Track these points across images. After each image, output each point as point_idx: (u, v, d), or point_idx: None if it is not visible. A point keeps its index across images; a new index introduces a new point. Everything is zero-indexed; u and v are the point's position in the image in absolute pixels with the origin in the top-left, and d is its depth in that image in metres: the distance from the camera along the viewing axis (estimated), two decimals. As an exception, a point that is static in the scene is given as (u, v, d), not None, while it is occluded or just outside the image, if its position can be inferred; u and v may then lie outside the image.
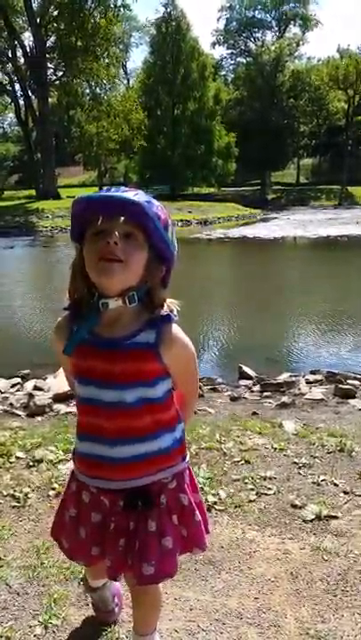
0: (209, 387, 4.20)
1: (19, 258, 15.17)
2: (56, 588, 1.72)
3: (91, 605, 1.61)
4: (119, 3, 27.52)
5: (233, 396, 3.99)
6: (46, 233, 19.91)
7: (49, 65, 28.90)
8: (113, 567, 1.21)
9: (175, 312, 1.16)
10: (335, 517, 2.11)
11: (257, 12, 48.14)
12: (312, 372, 4.63)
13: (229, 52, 49.56)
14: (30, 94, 30.34)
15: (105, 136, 29.36)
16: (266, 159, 39.09)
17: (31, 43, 28.47)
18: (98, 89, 31.35)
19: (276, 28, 48.75)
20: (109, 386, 1.14)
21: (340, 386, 3.95)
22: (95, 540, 1.24)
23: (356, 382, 4.16)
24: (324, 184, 39.56)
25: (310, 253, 16.10)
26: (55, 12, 27.55)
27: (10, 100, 33.27)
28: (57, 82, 29.72)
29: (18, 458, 2.64)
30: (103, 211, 1.06)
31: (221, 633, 1.55)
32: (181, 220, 23.21)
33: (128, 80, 47.47)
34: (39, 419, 3.43)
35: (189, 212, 25.59)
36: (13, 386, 4.27)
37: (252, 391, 4.17)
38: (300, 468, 2.52)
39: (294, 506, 2.19)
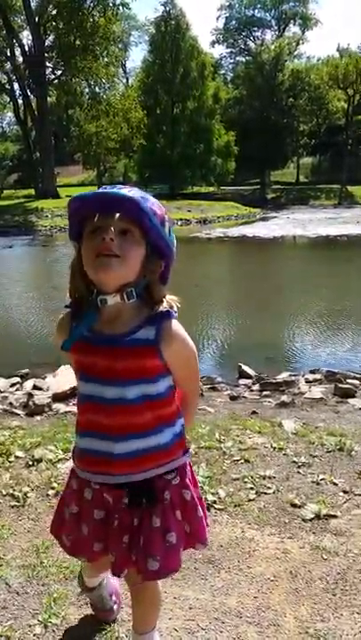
0: (208, 386, 4.21)
1: (18, 257, 15.16)
2: (56, 588, 1.72)
3: (89, 605, 1.61)
4: (118, 1, 27.45)
5: (232, 395, 4.00)
6: (45, 232, 19.89)
7: (48, 64, 28.85)
8: (117, 563, 1.21)
9: (175, 308, 1.16)
10: (334, 516, 2.11)
11: (256, 10, 48.21)
12: (312, 372, 4.63)
13: (229, 50, 49.66)
14: (29, 93, 30.28)
15: (104, 135, 29.32)
16: (265, 158, 39.05)
17: (30, 42, 28.48)
18: (97, 88, 31.28)
19: (276, 27, 48.80)
20: (111, 382, 1.14)
21: (340, 385, 3.95)
22: (98, 537, 1.24)
23: (356, 382, 4.16)
24: (323, 183, 39.51)
25: (310, 252, 16.10)
26: (54, 11, 27.48)
27: (9, 100, 33.14)
28: (56, 81, 29.69)
29: (17, 457, 2.64)
30: (99, 208, 1.07)
31: (221, 632, 1.55)
32: (181, 219, 23.20)
33: (127, 79, 47.42)
34: (38, 418, 3.43)
35: (189, 211, 25.57)
36: (13, 385, 4.26)
37: (252, 390, 4.17)
38: (299, 467, 2.52)
39: (294, 505, 2.19)
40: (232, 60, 49.99)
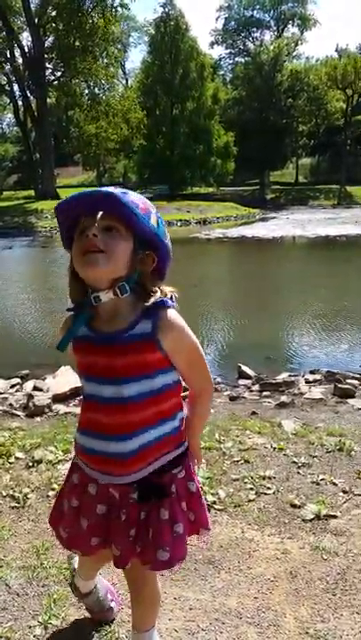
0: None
1: (17, 258, 15.16)
2: (56, 589, 1.72)
3: (87, 611, 1.61)
4: (117, 2, 27.50)
5: (232, 395, 4.00)
6: (45, 233, 19.88)
7: (47, 65, 28.86)
8: (122, 556, 1.23)
9: (172, 298, 1.16)
10: (334, 517, 2.11)
11: (255, 11, 48.24)
12: (311, 372, 4.63)
13: (228, 51, 49.71)
14: (29, 94, 30.26)
15: (104, 136, 29.33)
16: (265, 159, 39.08)
17: (29, 43, 28.46)
18: (96, 89, 31.32)
19: (275, 28, 48.81)
20: (111, 381, 1.15)
21: (340, 385, 3.95)
22: (96, 532, 1.25)
23: (356, 382, 4.16)
24: (322, 184, 39.53)
25: (309, 253, 16.09)
26: (53, 13, 27.50)
27: (8, 101, 33.12)
28: (55, 82, 29.68)
29: (17, 458, 2.65)
30: (82, 211, 1.09)
31: (221, 632, 1.55)
32: (180, 220, 23.21)
33: (127, 80, 47.43)
34: (38, 419, 3.44)
35: (188, 211, 25.55)
36: (13, 386, 4.27)
37: (252, 391, 4.18)
38: (299, 467, 2.52)
39: (294, 505, 2.19)
40: (231, 61, 50.13)
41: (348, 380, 4.17)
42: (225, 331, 6.58)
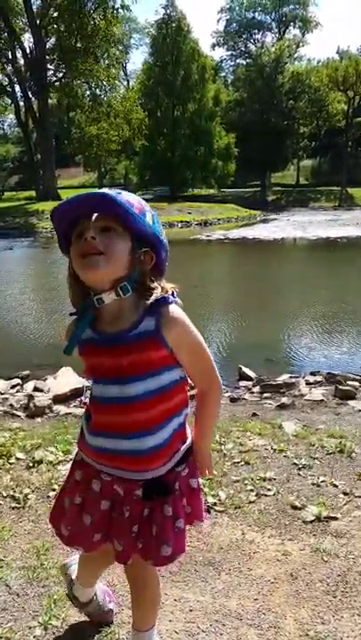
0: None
1: (18, 259, 15.18)
2: (56, 589, 1.72)
3: (87, 617, 1.60)
4: (118, 4, 27.56)
5: (233, 397, 4.00)
6: (46, 234, 19.89)
7: (49, 66, 28.92)
8: (124, 551, 1.24)
9: (173, 294, 1.16)
10: (335, 518, 2.11)
11: (257, 13, 48.25)
12: (312, 373, 4.63)
13: (229, 53, 49.77)
14: (30, 96, 30.32)
15: (105, 137, 29.36)
16: (266, 160, 39.10)
17: (31, 44, 28.51)
18: (98, 90, 31.37)
19: (276, 30, 48.82)
20: (119, 381, 1.15)
21: (340, 387, 3.95)
22: (99, 528, 1.26)
23: (356, 383, 4.15)
24: (323, 185, 39.57)
25: (310, 254, 16.10)
26: (55, 14, 27.55)
27: (10, 102, 33.16)
28: (57, 83, 29.72)
29: (18, 459, 2.65)
30: (77, 214, 1.10)
31: (221, 634, 1.55)
32: (181, 222, 23.23)
33: (128, 81, 47.48)
34: (39, 420, 3.44)
35: (189, 213, 25.58)
36: (13, 387, 4.27)
37: (252, 392, 4.17)
38: (299, 469, 2.52)
39: (294, 507, 2.19)
40: (232, 63, 50.18)
41: (349, 382, 4.17)
42: (226, 332, 6.58)
